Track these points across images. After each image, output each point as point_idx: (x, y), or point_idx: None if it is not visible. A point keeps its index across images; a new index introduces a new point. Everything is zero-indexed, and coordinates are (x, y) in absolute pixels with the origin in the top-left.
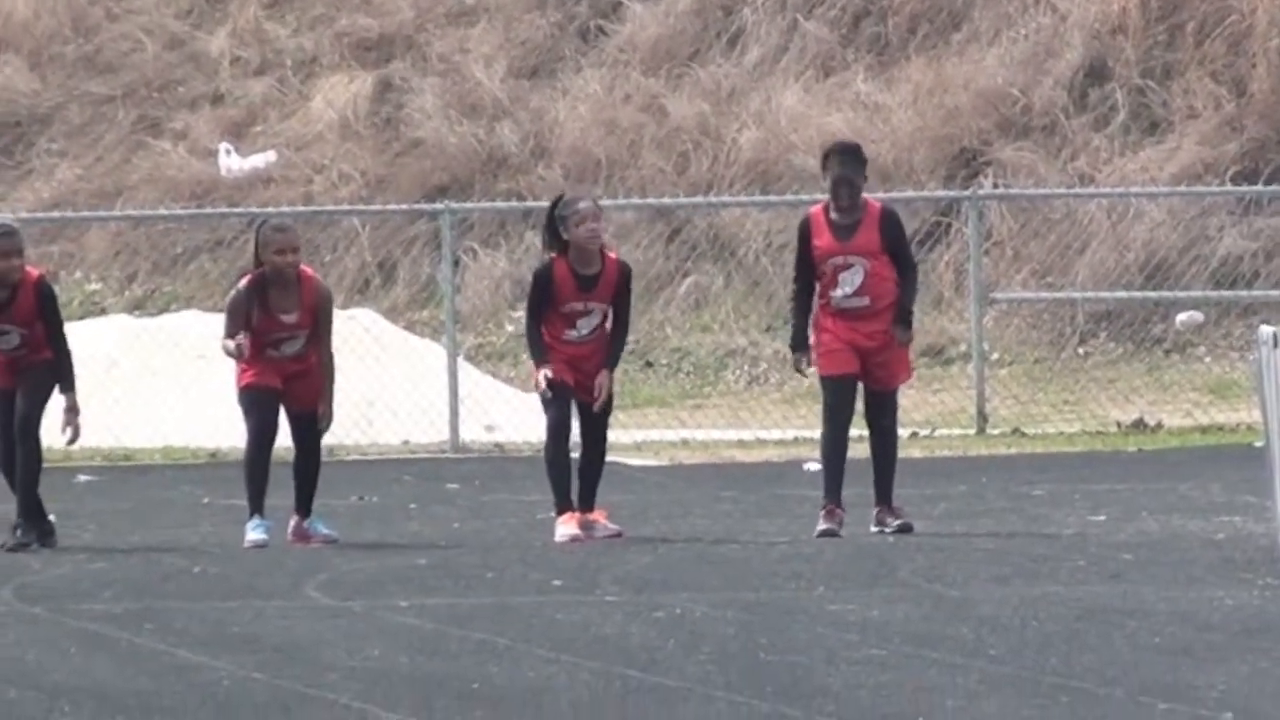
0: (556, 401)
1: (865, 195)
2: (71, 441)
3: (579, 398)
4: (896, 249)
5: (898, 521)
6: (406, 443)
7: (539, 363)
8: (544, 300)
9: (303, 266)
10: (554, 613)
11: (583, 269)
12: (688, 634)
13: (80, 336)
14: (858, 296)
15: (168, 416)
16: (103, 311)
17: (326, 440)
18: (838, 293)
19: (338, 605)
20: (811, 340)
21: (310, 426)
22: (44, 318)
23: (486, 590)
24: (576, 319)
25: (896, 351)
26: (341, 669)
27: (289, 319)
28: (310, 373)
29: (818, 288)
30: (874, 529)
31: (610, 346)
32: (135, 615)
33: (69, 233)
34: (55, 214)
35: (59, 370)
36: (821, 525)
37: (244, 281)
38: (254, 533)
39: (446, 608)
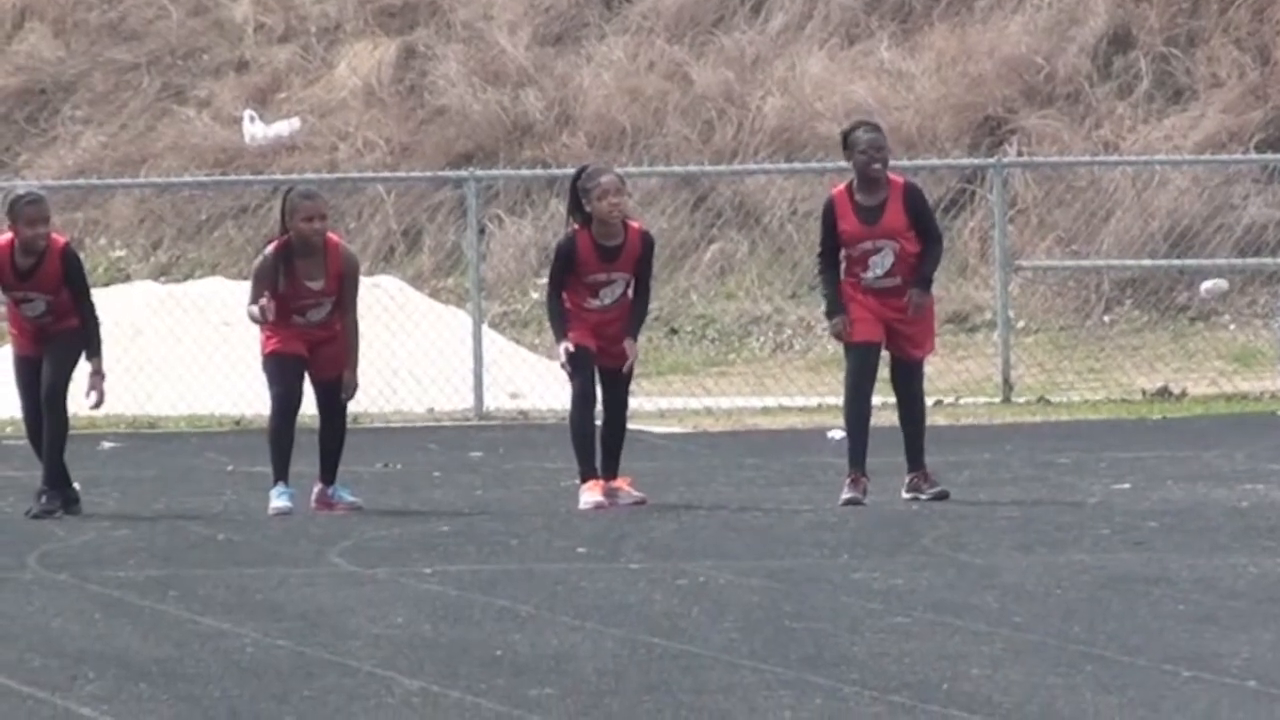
0: (580, 369)
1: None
2: (96, 406)
3: (602, 364)
4: (921, 221)
5: (933, 489)
6: (431, 410)
7: (559, 335)
8: (566, 272)
9: (329, 234)
10: (578, 580)
11: (605, 240)
12: (711, 602)
13: (105, 303)
14: (889, 278)
15: (192, 384)
16: (128, 278)
17: (351, 407)
18: (868, 275)
19: (361, 572)
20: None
21: (335, 394)
22: (70, 285)
23: (510, 557)
24: (600, 289)
25: (923, 323)
26: (365, 636)
27: (315, 286)
28: (335, 340)
29: (844, 264)
30: (906, 495)
31: (632, 315)
32: (159, 582)
33: (94, 200)
34: (80, 181)
35: (86, 337)
36: (846, 494)
37: (270, 248)
38: (278, 500)
39: (470, 574)
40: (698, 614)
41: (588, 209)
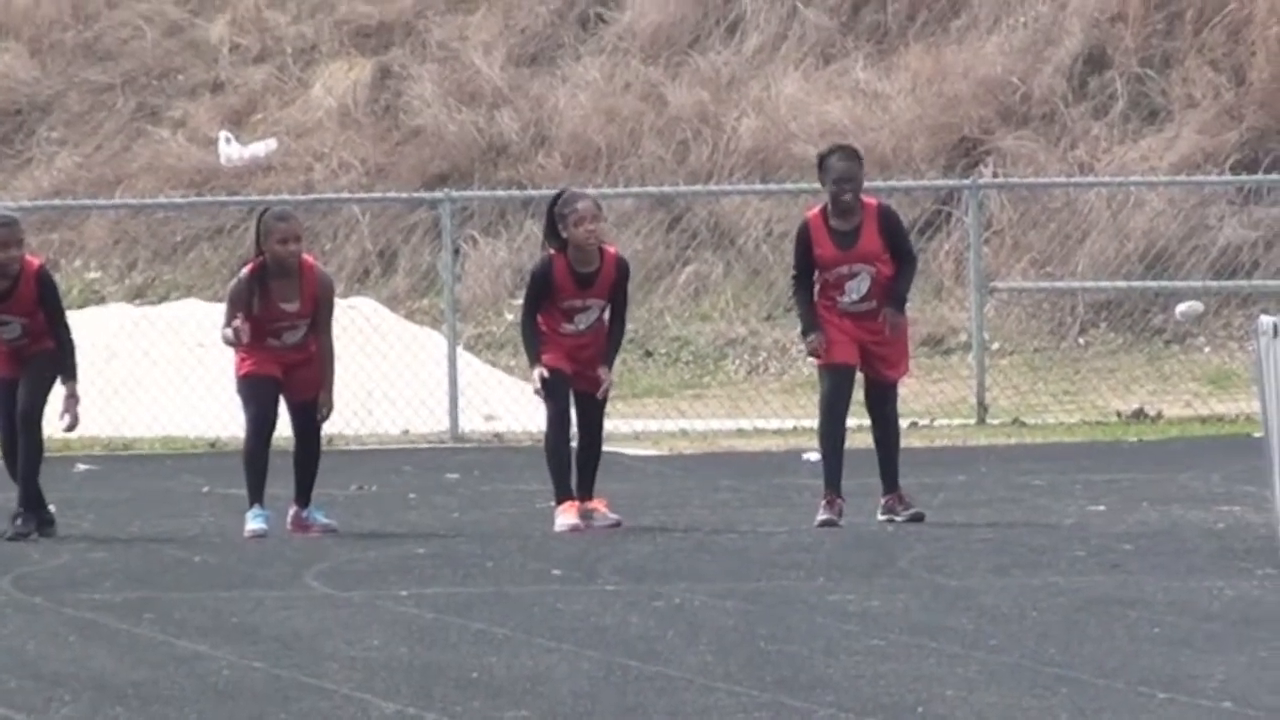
0: (555, 392)
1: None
2: (70, 428)
3: (577, 387)
4: (896, 242)
5: (908, 511)
6: (406, 432)
7: (533, 361)
8: (541, 297)
9: (304, 255)
10: (554, 602)
11: (581, 266)
12: (687, 624)
13: (80, 325)
14: (865, 301)
15: (167, 405)
16: (102, 300)
17: (326, 429)
18: (845, 299)
19: (337, 595)
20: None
21: (310, 416)
22: (45, 307)
23: (486, 580)
24: (575, 314)
25: (898, 345)
26: (341, 658)
27: (290, 308)
28: (310, 362)
29: (819, 287)
30: (882, 517)
31: (609, 342)
32: (135, 605)
33: (69, 221)
34: (55, 202)
35: (61, 359)
36: (821, 515)
37: (245, 270)
38: (253, 522)
39: (446, 597)
40: (673, 636)
41: (564, 234)
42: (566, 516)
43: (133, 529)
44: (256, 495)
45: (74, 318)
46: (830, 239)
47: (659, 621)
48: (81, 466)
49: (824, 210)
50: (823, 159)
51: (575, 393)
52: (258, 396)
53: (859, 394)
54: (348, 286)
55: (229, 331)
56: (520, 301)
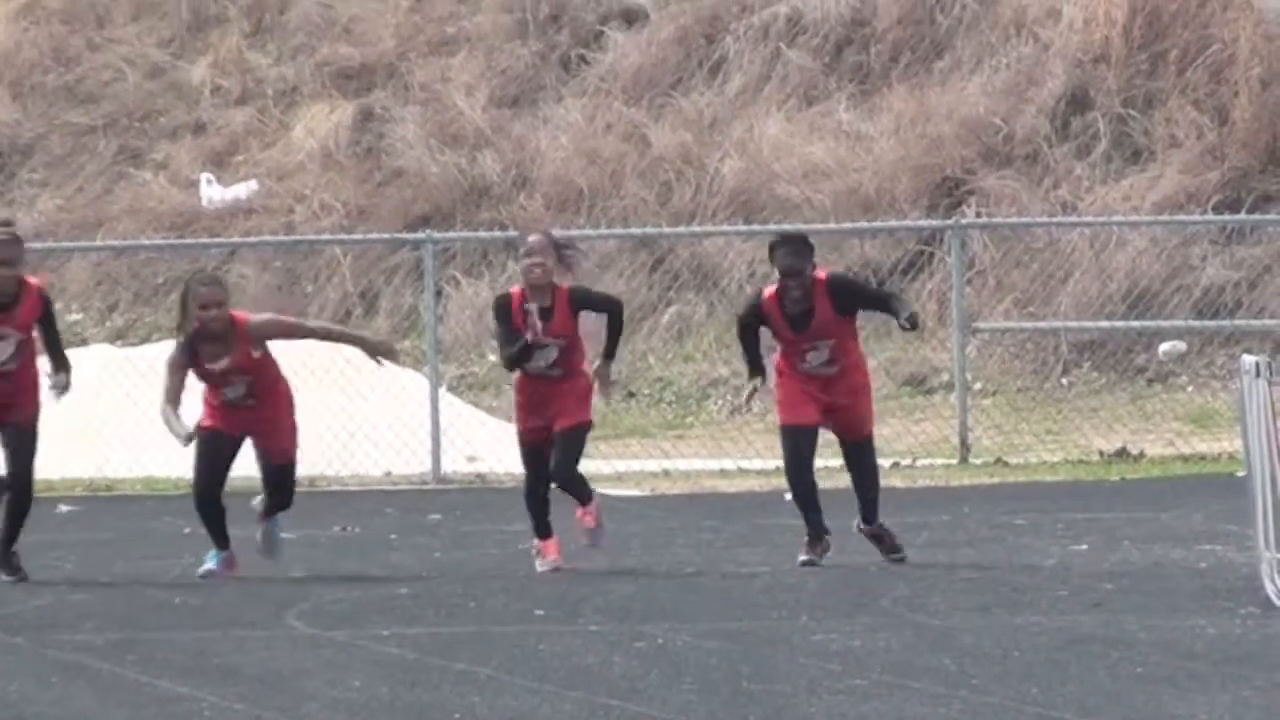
0: (528, 463)
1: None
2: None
3: (545, 437)
4: (859, 303)
5: (893, 554)
6: (388, 474)
7: (519, 355)
8: (509, 330)
9: (234, 313)
10: (536, 642)
11: (536, 301)
12: (670, 664)
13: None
14: (826, 366)
15: (149, 447)
16: (84, 342)
17: (307, 471)
18: (804, 365)
19: (319, 635)
20: (772, 383)
21: (280, 471)
22: (44, 326)
23: (469, 620)
24: (534, 351)
25: (863, 401)
26: (323, 699)
27: (218, 366)
28: (265, 419)
29: (778, 350)
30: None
31: (605, 340)
32: (117, 646)
33: (50, 263)
34: (37, 244)
35: (55, 371)
36: (803, 555)
37: (181, 339)
38: (207, 564)
39: (428, 637)
40: (656, 676)
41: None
42: (548, 558)
43: (115, 570)
44: (217, 541)
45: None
46: (784, 322)
47: (642, 661)
48: (63, 508)
49: (778, 291)
50: (772, 249)
51: (546, 442)
52: (206, 455)
53: (835, 445)
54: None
55: (174, 426)
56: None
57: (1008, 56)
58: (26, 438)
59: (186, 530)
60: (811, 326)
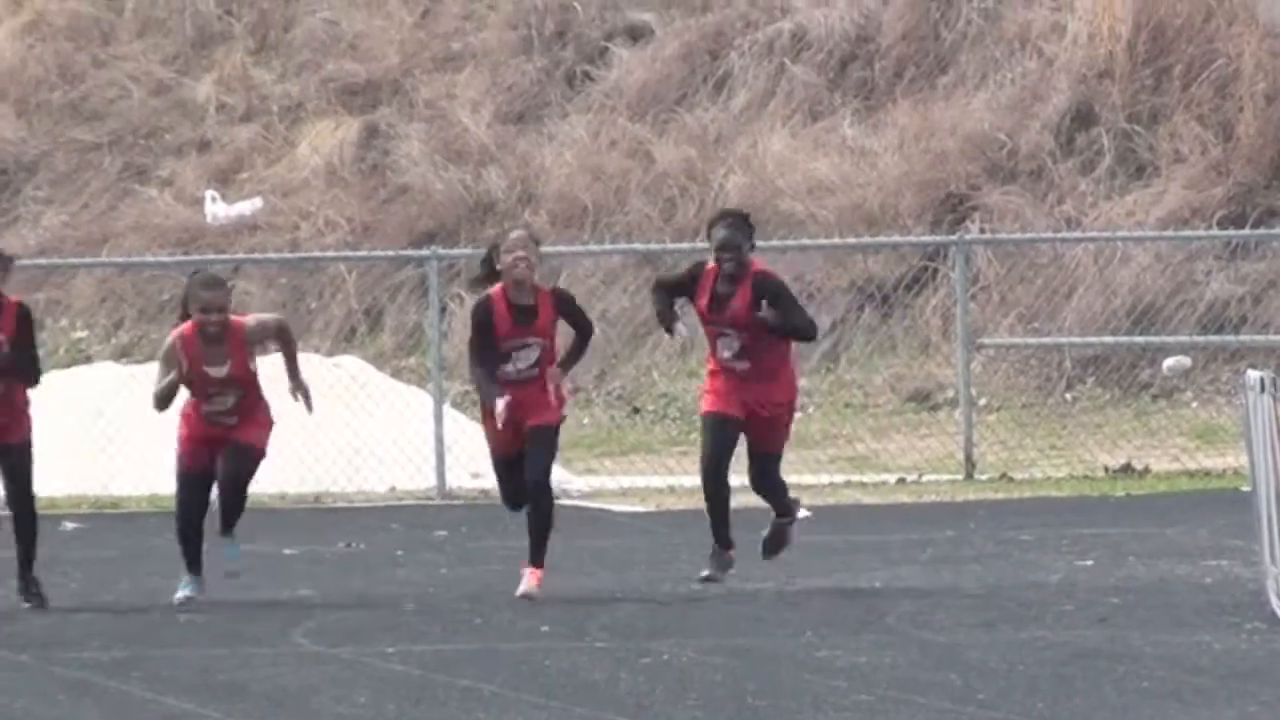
0: (506, 472)
1: (755, 259)
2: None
3: (518, 447)
4: (775, 306)
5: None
6: (393, 490)
7: (492, 396)
8: (486, 335)
9: (234, 319)
10: (542, 659)
11: (518, 299)
12: (675, 680)
13: (67, 384)
14: (738, 360)
15: (154, 464)
16: (89, 359)
17: (313, 487)
18: (722, 354)
19: (325, 652)
20: (700, 387)
21: (233, 480)
22: (19, 341)
23: (474, 637)
24: (514, 353)
25: (781, 417)
26: (329, 716)
27: (217, 373)
28: (240, 423)
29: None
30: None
31: (569, 351)
32: (123, 663)
33: (55, 280)
34: (42, 261)
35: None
36: (705, 571)
37: (176, 332)
38: (181, 590)
39: (434, 654)
40: (661, 692)
41: (498, 267)
42: (527, 582)
43: (120, 587)
44: (191, 565)
45: (61, 377)
46: (710, 296)
47: (647, 678)
48: (69, 525)
49: (717, 271)
50: (710, 225)
51: (517, 456)
52: (187, 489)
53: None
54: (334, 345)
55: (158, 390)
56: None
57: (1012, 72)
58: (22, 458)
59: None
60: (725, 312)
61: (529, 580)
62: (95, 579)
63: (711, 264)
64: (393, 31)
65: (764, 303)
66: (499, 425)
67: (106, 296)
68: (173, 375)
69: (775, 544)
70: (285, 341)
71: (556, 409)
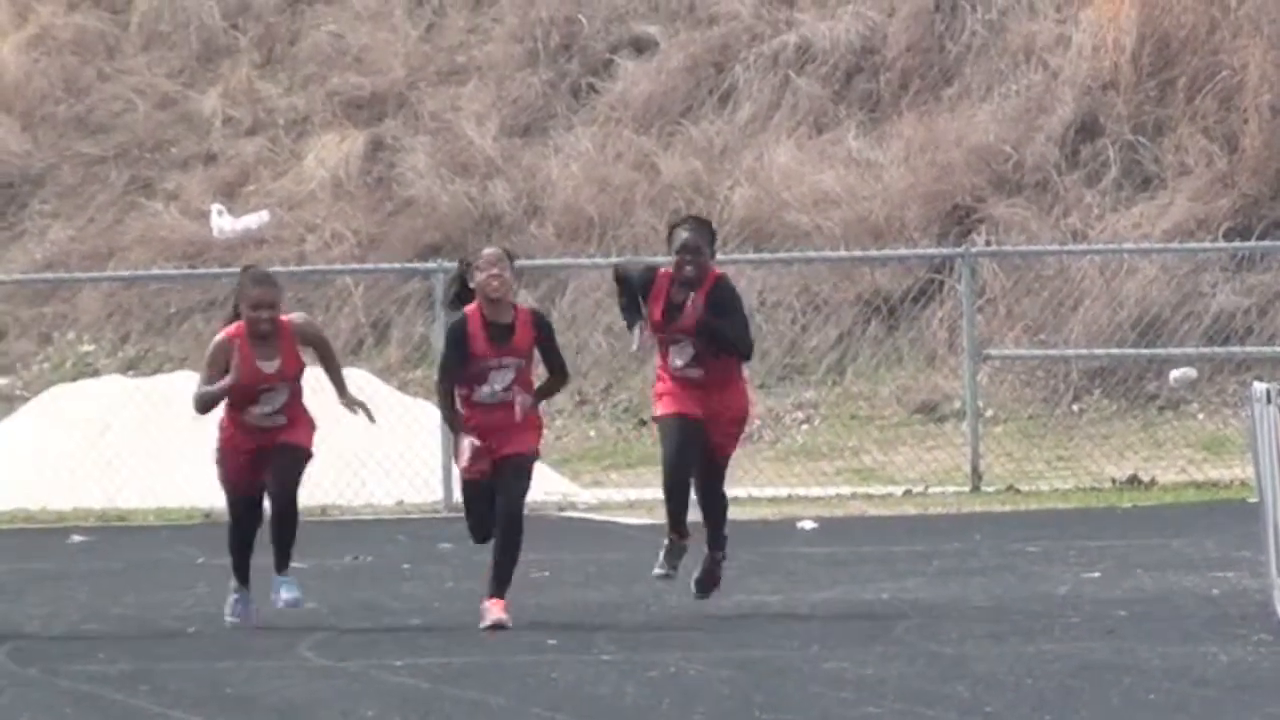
0: (475, 501)
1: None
2: None
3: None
4: (725, 312)
5: (711, 576)
6: (400, 502)
7: (456, 431)
8: (459, 352)
9: (282, 317)
10: (548, 672)
11: (494, 317)
12: (682, 693)
13: (73, 397)
14: (691, 368)
15: (161, 477)
16: (96, 372)
17: (320, 500)
18: (674, 362)
19: (332, 665)
20: (655, 390)
21: (281, 497)
22: None
23: (481, 649)
24: (489, 374)
25: (733, 424)
26: None
27: (269, 368)
28: (287, 428)
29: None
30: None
31: (545, 384)
32: (130, 676)
33: (62, 293)
34: (48, 275)
35: None
36: (659, 568)
37: (224, 332)
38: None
39: (441, 667)
40: (668, 705)
41: (472, 285)
42: (493, 612)
43: (127, 600)
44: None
45: (67, 390)
46: (664, 301)
47: (654, 691)
48: (76, 538)
49: (671, 276)
50: (672, 229)
51: (487, 484)
52: (235, 508)
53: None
54: (341, 357)
55: (209, 391)
56: None
57: (1017, 84)
58: None
59: (199, 560)
60: (680, 319)
61: (495, 610)
62: (102, 592)
63: (665, 269)
64: (398, 45)
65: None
66: (461, 464)
67: (113, 310)
68: (225, 381)
69: (708, 583)
70: (326, 348)
71: (535, 435)
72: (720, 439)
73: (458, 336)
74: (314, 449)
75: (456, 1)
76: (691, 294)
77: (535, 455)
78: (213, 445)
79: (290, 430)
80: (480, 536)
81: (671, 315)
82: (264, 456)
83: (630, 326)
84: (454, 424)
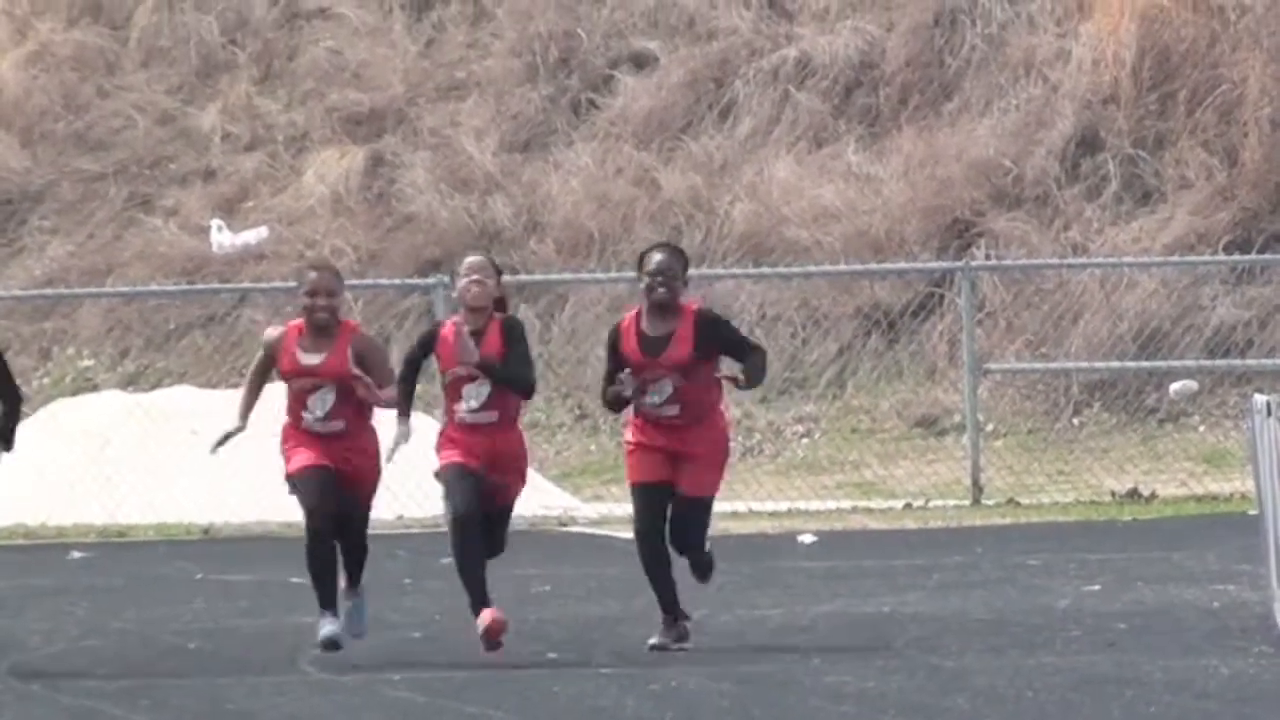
0: (460, 486)
1: (691, 299)
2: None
3: (484, 488)
4: (721, 344)
5: (678, 644)
6: (400, 517)
7: (401, 410)
8: (421, 353)
9: (347, 320)
10: (549, 685)
11: (471, 326)
12: (683, 706)
13: (73, 412)
14: (667, 405)
15: (161, 492)
16: (95, 388)
17: None
18: (647, 399)
19: (332, 680)
20: (625, 435)
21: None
22: None
23: (481, 664)
24: (461, 385)
25: (712, 457)
26: None
27: (311, 361)
28: (353, 452)
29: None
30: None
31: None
32: (130, 692)
33: (61, 309)
34: (48, 291)
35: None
36: (654, 639)
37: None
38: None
39: (441, 681)
40: (670, 719)
41: (454, 295)
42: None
43: (128, 615)
44: (325, 601)
45: (67, 406)
46: (637, 341)
47: (655, 704)
48: (76, 554)
49: (639, 313)
50: (643, 256)
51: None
52: (308, 492)
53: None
54: None
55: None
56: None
57: (1017, 98)
58: None
59: (199, 575)
60: (664, 353)
61: (485, 615)
62: (102, 608)
63: (628, 319)
64: (397, 60)
65: (713, 351)
66: (385, 461)
67: (113, 326)
68: (259, 359)
69: (704, 569)
70: (380, 370)
71: (522, 472)
72: (699, 474)
73: (425, 339)
74: (381, 469)
75: (456, 17)
76: (674, 326)
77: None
78: (280, 467)
79: (355, 447)
80: (465, 509)
81: (652, 348)
82: (331, 465)
83: (622, 400)
84: (402, 408)
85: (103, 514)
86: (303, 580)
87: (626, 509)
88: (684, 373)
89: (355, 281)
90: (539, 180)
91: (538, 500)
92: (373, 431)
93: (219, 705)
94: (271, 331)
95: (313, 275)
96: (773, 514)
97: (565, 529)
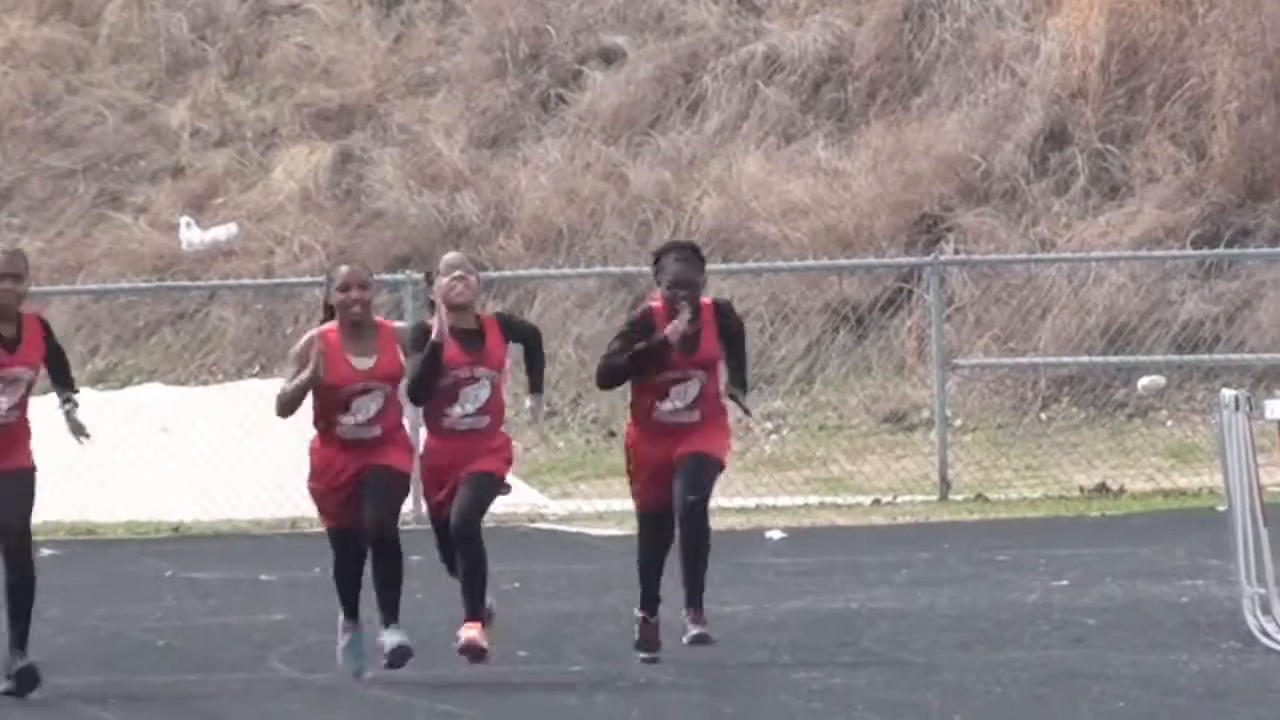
0: (441, 536)
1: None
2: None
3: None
4: (729, 337)
5: (696, 630)
6: None
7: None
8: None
9: (379, 318)
10: (520, 682)
11: (460, 324)
12: (652, 703)
13: (43, 411)
14: (689, 411)
15: (131, 490)
16: None
17: (290, 512)
18: (672, 404)
19: (301, 678)
20: (628, 441)
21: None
22: (52, 360)
23: (452, 661)
24: (460, 389)
25: (717, 441)
26: None
27: (364, 365)
28: (383, 449)
29: (636, 395)
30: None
31: (530, 374)
32: (100, 689)
33: (30, 306)
34: None
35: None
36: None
37: (314, 330)
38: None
39: (412, 679)
40: (638, 715)
41: (432, 297)
42: (469, 632)
43: (97, 613)
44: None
45: (37, 403)
46: (676, 338)
47: (625, 701)
48: (46, 551)
49: (667, 305)
50: (658, 258)
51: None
52: (339, 540)
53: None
54: None
55: (288, 388)
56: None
57: (985, 93)
58: (19, 491)
59: (169, 573)
60: (699, 351)
61: (468, 629)
62: (72, 605)
63: (658, 303)
64: (366, 56)
65: (725, 339)
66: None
67: (82, 324)
68: (306, 373)
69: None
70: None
71: (503, 461)
72: (701, 460)
73: (419, 341)
74: (413, 471)
75: (425, 13)
76: (698, 324)
77: (500, 480)
78: (305, 472)
79: (385, 449)
80: (454, 569)
81: (689, 347)
82: (355, 480)
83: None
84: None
85: (73, 511)
86: (270, 576)
87: (594, 505)
88: (710, 370)
89: (324, 279)
90: (508, 176)
91: (506, 497)
92: (405, 430)
93: (188, 703)
94: (311, 334)
95: (344, 269)
96: (741, 510)
97: (534, 526)
